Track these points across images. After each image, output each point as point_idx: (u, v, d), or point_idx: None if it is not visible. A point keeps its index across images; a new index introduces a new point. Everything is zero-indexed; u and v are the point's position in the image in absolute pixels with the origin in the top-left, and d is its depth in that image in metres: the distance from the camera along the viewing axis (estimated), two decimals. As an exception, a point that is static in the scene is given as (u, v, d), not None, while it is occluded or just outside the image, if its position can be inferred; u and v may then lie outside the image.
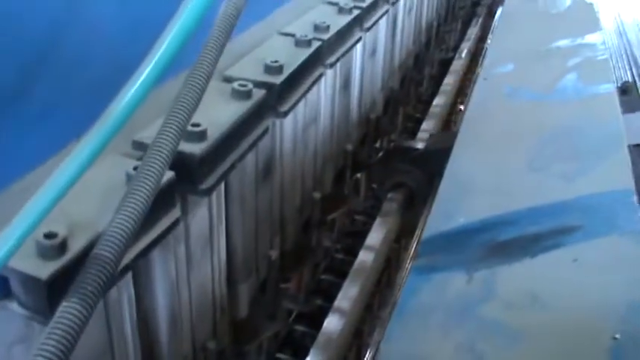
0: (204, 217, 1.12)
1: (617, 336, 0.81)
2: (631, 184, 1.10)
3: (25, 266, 0.71)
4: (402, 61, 2.62)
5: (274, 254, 1.48)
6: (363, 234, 1.95)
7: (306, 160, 1.63)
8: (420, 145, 2.21)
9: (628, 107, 2.18)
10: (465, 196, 1.16)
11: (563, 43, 1.83)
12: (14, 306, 0.73)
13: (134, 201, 0.67)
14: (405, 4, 2.45)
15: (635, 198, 1.06)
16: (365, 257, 1.83)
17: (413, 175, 2.04)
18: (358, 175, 2.22)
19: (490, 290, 0.92)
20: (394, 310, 0.92)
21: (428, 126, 2.65)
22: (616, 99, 1.43)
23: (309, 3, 1.71)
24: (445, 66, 3.55)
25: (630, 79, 2.69)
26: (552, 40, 1.87)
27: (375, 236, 1.90)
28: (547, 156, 1.23)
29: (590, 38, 1.83)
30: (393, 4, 2.09)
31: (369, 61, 2.05)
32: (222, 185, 1.16)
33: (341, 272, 1.91)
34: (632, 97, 2.18)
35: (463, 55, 3.54)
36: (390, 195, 2.11)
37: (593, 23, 1.95)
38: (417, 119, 3.02)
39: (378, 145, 2.49)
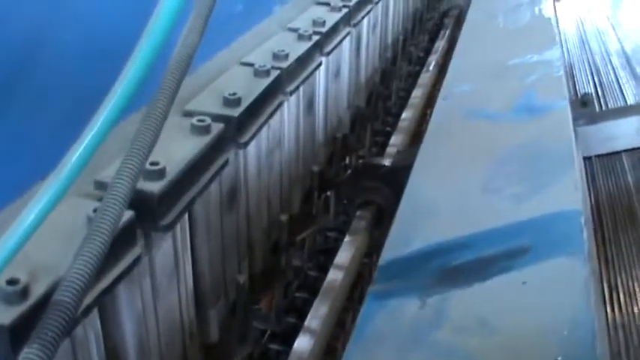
0: (169, 249, 1.15)
1: (559, 359, 0.85)
2: (579, 204, 1.14)
3: (-12, 313, 0.74)
4: (368, 77, 2.65)
5: (242, 278, 1.51)
6: (335, 250, 2.00)
7: (272, 184, 1.65)
8: (387, 162, 2.26)
9: (589, 119, 2.24)
10: (422, 219, 1.19)
11: (520, 60, 1.88)
12: (-21, 352, 0.76)
13: (92, 245, 0.70)
14: (368, 23, 2.48)
15: (582, 218, 1.10)
16: (334, 276, 1.87)
17: (381, 192, 2.08)
18: (328, 192, 2.26)
19: (442, 316, 0.96)
20: (352, 335, 0.95)
21: (397, 140, 2.70)
22: (569, 117, 1.47)
23: (271, 29, 1.74)
24: (414, 79, 3.59)
25: (592, 89, 2.75)
26: (510, 58, 1.92)
27: (344, 255, 1.94)
28: (502, 177, 1.27)
29: (547, 54, 1.88)
30: (355, 25, 2.12)
31: (334, 81, 2.08)
32: (186, 215, 1.19)
33: (314, 290, 1.94)
34: (592, 109, 2.24)
35: (431, 67, 3.58)
36: (358, 213, 2.15)
37: (550, 39, 2.00)
38: (387, 133, 3.06)
39: (348, 161, 2.53)
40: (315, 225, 2.07)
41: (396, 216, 1.23)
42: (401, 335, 0.94)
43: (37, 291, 0.77)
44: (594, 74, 2.88)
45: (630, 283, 1.59)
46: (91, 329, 0.93)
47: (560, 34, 3.24)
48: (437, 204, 1.24)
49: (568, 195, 1.18)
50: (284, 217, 1.74)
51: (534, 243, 1.07)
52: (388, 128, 3.08)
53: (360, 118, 2.57)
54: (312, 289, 2.00)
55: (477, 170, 1.32)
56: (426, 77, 3.45)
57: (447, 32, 4.14)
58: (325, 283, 1.89)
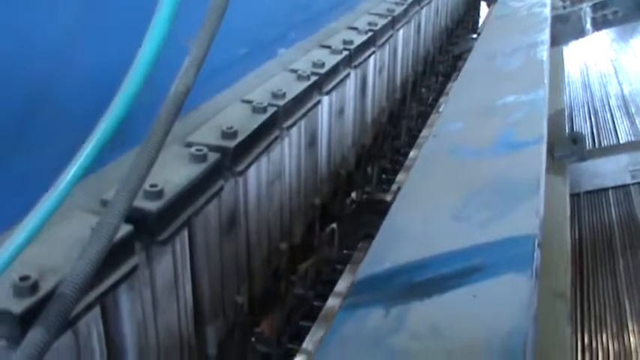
0: (169, 264, 1.27)
1: (493, 358, 0.97)
2: (535, 230, 1.26)
3: (3, 303, 0.88)
4: (374, 117, 2.76)
5: (241, 299, 1.63)
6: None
7: (272, 214, 1.76)
8: (389, 198, 2.39)
9: (579, 156, 2.37)
10: (394, 243, 1.32)
11: (508, 100, 2.01)
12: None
13: (91, 250, 0.83)
14: (374, 65, 2.61)
15: (536, 241, 1.22)
16: (333, 303, 1.99)
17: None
18: (333, 225, 2.38)
19: (401, 323, 1.08)
20: (324, 339, 1.09)
21: (402, 178, 2.82)
22: (542, 154, 1.59)
23: (275, 70, 1.88)
24: (424, 120, 3.73)
25: (588, 128, 2.88)
26: (500, 98, 2.05)
27: (344, 284, 2.07)
28: (472, 206, 1.40)
29: (533, 95, 2.00)
30: (356, 67, 2.25)
31: (337, 120, 2.20)
32: (186, 236, 1.32)
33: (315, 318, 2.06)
34: (582, 147, 2.36)
35: (441, 109, 3.69)
36: (360, 245, 2.28)
37: (538, 81, 2.13)
38: (395, 171, 3.19)
39: (355, 196, 2.65)
40: (315, 256, 2.18)
41: (374, 240, 1.36)
42: (364, 339, 1.06)
43: (45, 286, 0.91)
44: (592, 115, 3.02)
45: (601, 310, 1.70)
46: (94, 328, 1.05)
47: (563, 77, 3.39)
48: (409, 230, 1.36)
49: (528, 221, 1.30)
50: (284, 246, 1.86)
51: (488, 262, 1.19)
52: (398, 167, 3.21)
53: (366, 155, 2.68)
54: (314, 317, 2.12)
55: (450, 201, 1.45)
56: (435, 118, 3.55)
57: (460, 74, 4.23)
58: (324, 310, 2.02)
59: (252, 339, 1.82)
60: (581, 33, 3.76)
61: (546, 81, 2.09)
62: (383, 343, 1.04)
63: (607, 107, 2.99)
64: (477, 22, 6.21)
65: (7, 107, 1.00)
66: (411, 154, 3.18)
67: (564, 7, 4.31)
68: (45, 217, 0.81)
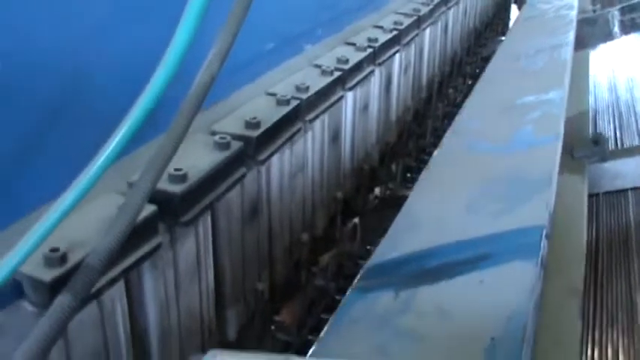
0: (192, 246, 1.33)
1: (494, 337, 1.02)
2: (544, 221, 1.31)
3: (35, 272, 0.95)
4: (399, 116, 2.80)
5: (261, 286, 1.68)
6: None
7: (295, 205, 1.81)
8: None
9: (600, 157, 2.39)
10: (407, 233, 1.37)
11: (527, 99, 2.05)
12: (26, 304, 0.97)
13: (116, 227, 0.89)
14: (400, 64, 2.65)
15: (544, 232, 1.27)
16: (352, 294, 2.02)
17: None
18: (355, 220, 2.42)
19: (409, 305, 1.14)
20: (331, 319, 1.14)
21: (426, 176, 2.84)
22: (558, 150, 1.64)
23: (300, 65, 1.94)
24: (449, 120, 3.75)
25: (612, 131, 2.90)
26: (519, 97, 2.09)
27: (363, 277, 2.10)
28: (484, 199, 1.45)
29: (552, 95, 2.05)
30: (380, 64, 2.29)
31: (361, 116, 2.25)
32: (209, 220, 1.38)
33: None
34: (604, 148, 2.38)
35: (463, 108, 3.70)
36: (379, 240, 2.31)
37: (558, 81, 2.17)
38: (419, 169, 3.22)
39: (378, 192, 2.70)
40: (337, 249, 2.23)
41: (388, 230, 1.41)
42: (372, 319, 1.12)
43: (73, 258, 0.98)
44: (616, 118, 3.04)
45: (614, 307, 1.74)
46: (118, 303, 1.12)
47: (588, 80, 3.41)
48: (422, 221, 1.41)
49: (537, 213, 1.35)
50: (305, 237, 1.91)
51: (497, 251, 1.24)
52: (423, 165, 3.24)
53: (389, 152, 2.73)
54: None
55: (465, 194, 1.49)
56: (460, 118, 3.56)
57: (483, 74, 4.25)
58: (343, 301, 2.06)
59: (272, 327, 1.87)
60: (608, 36, 3.75)
61: (567, 81, 2.12)
62: (390, 323, 1.09)
63: (632, 111, 3.01)
64: (507, 25, 6.19)
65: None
66: (435, 153, 3.20)
67: (594, 11, 4.30)
68: (77, 199, 0.86)
